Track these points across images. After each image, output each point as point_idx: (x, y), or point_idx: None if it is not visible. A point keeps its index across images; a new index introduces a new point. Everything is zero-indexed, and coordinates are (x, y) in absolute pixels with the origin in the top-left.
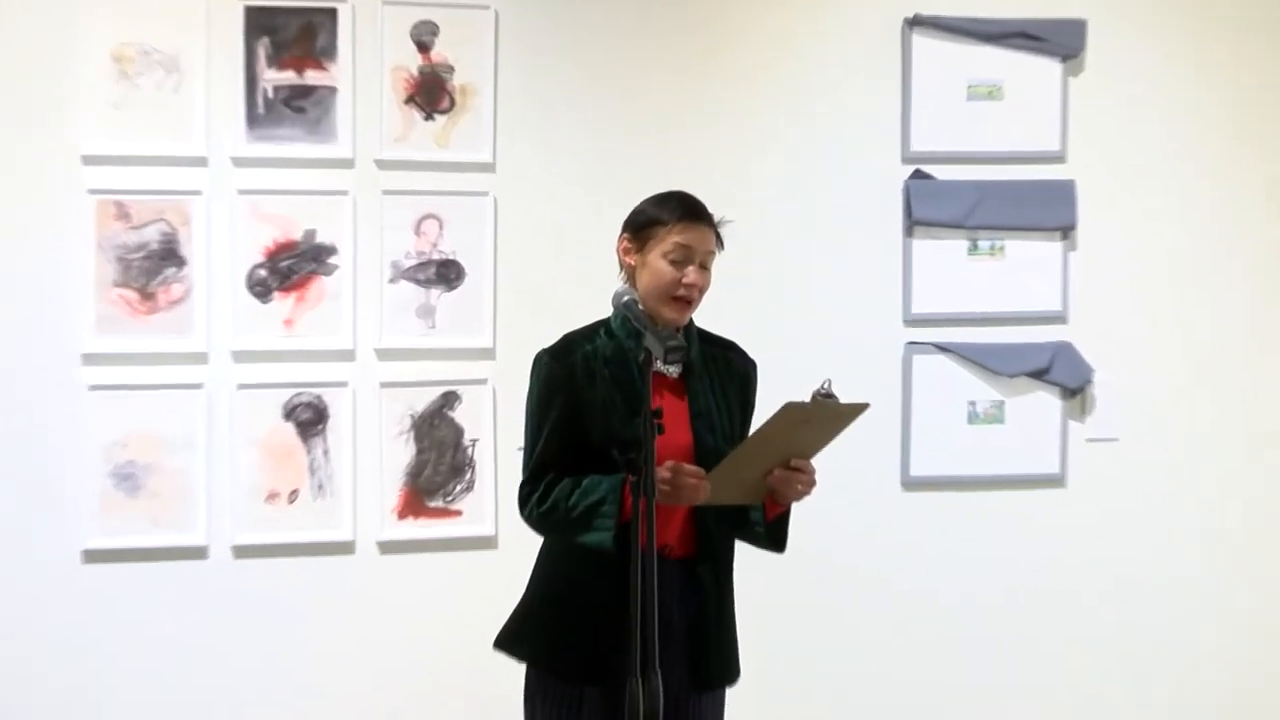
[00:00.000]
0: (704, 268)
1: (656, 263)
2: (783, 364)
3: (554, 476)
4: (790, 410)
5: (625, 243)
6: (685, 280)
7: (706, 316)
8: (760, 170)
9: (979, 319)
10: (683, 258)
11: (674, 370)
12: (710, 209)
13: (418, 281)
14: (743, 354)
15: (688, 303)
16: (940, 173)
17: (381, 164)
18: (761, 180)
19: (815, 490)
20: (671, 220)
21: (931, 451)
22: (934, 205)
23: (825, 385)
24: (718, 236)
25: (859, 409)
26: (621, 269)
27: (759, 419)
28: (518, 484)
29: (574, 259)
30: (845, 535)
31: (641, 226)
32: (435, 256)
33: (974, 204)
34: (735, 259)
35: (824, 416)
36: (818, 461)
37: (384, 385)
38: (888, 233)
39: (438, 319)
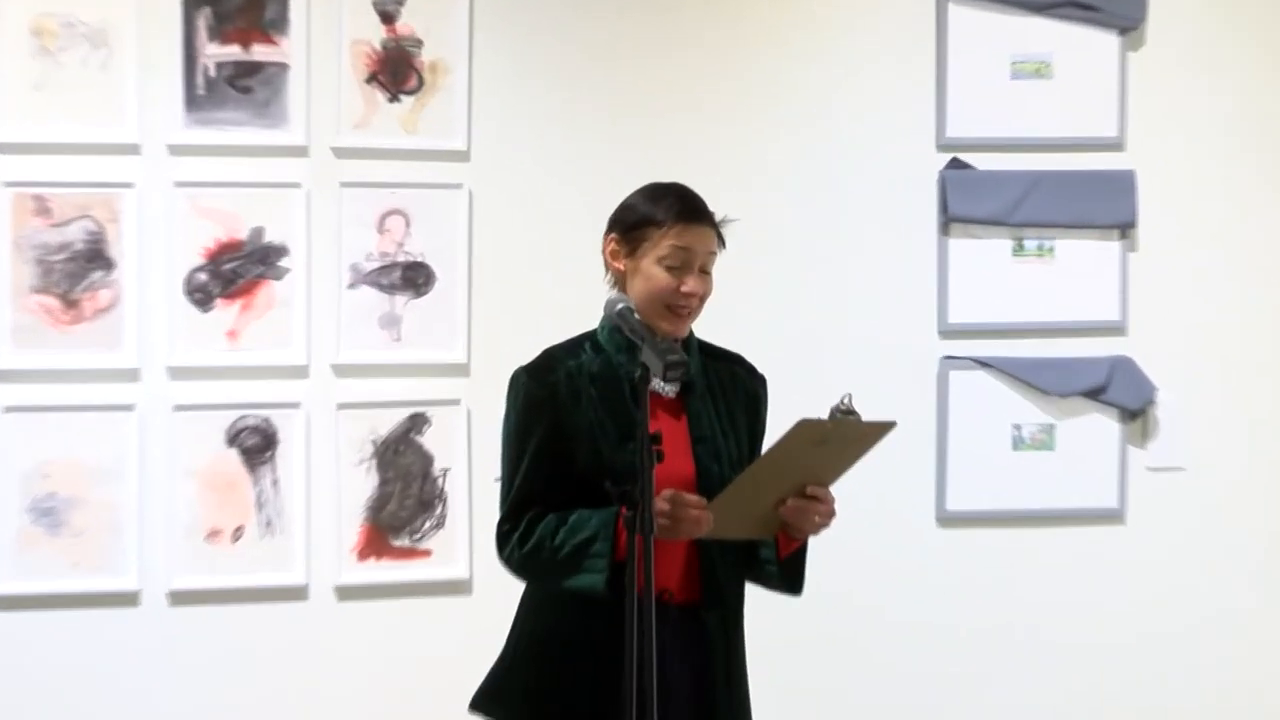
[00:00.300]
0: (705, 273)
1: (650, 269)
2: (798, 381)
3: (537, 512)
4: (805, 428)
5: (613, 244)
6: (684, 288)
7: (708, 327)
8: (773, 160)
9: (1025, 329)
10: (681, 263)
11: (671, 389)
12: (711, 205)
13: (381, 287)
14: (750, 368)
15: (687, 313)
16: (981, 162)
17: (340, 152)
18: (775, 171)
19: (836, 523)
20: (667, 220)
21: (970, 482)
22: (973, 199)
23: (845, 400)
24: (719, 236)
25: (885, 428)
26: (609, 273)
27: (770, 442)
28: (495, 521)
29: (562, 261)
30: (871, 576)
31: (632, 227)
32: (401, 258)
33: (1020, 197)
34: (742, 261)
35: (844, 436)
36: (838, 490)
37: (342, 406)
38: (920, 231)
39: (404, 330)
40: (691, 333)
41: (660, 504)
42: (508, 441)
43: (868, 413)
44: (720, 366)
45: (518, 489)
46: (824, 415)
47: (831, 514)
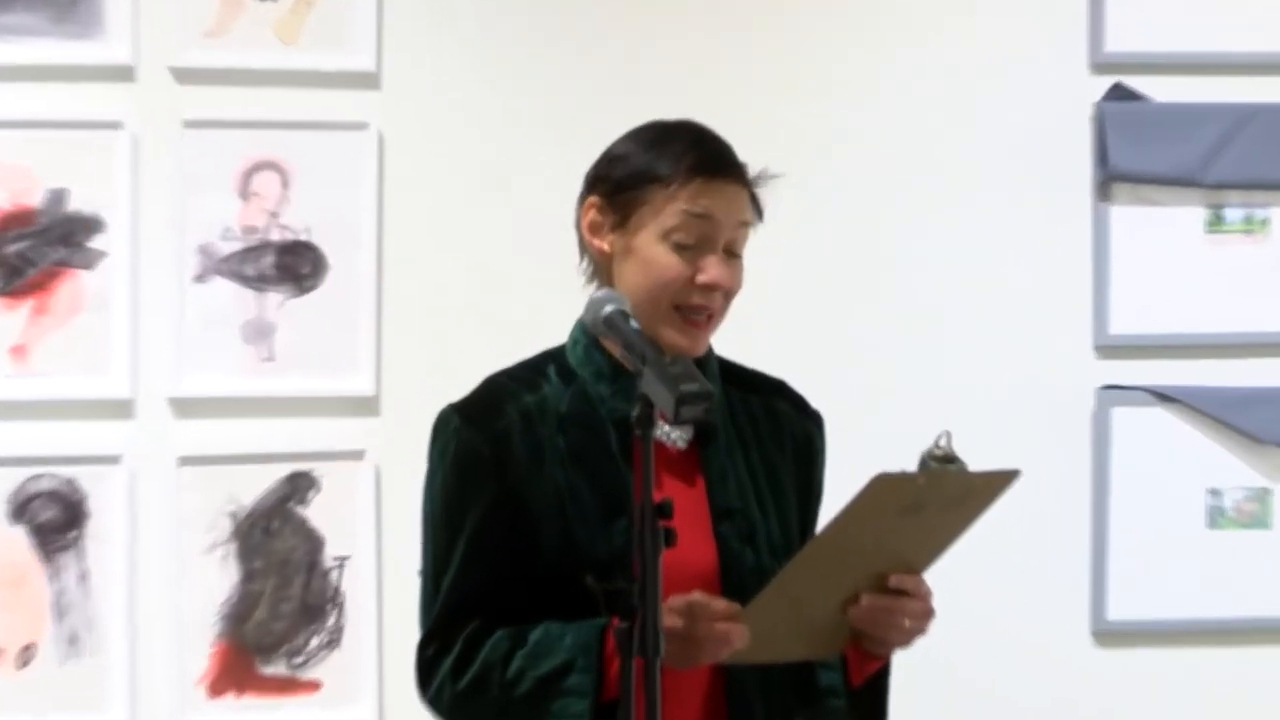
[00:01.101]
0: (733, 255)
1: (651, 248)
2: (870, 421)
3: (478, 626)
4: (884, 488)
5: (594, 212)
6: (702, 277)
7: (732, 341)
8: (836, 96)
9: (1226, 345)
10: (698, 238)
11: (681, 437)
12: (742, 155)
13: (245, 280)
14: (799, 402)
15: (706, 318)
16: (1156, 89)
17: (182, 75)
18: (838, 111)
19: (940, 637)
20: (677, 174)
21: (1144, 579)
22: (1147, 147)
23: (941, 443)
24: (755, 201)
25: (1004, 480)
26: (586, 258)
27: (831, 508)
28: (416, 640)
29: (519, 241)
30: (995, 717)
31: (623, 185)
32: (276, 236)
33: (1218, 144)
34: (789, 243)
35: (942, 496)
36: (940, 576)
37: (185, 461)
38: (1065, 197)
39: (280, 345)
40: (711, 350)
41: (672, 617)
42: (432, 519)
43: (976, 461)
44: (753, 401)
45: (449, 591)
46: (910, 467)
47: (928, 614)
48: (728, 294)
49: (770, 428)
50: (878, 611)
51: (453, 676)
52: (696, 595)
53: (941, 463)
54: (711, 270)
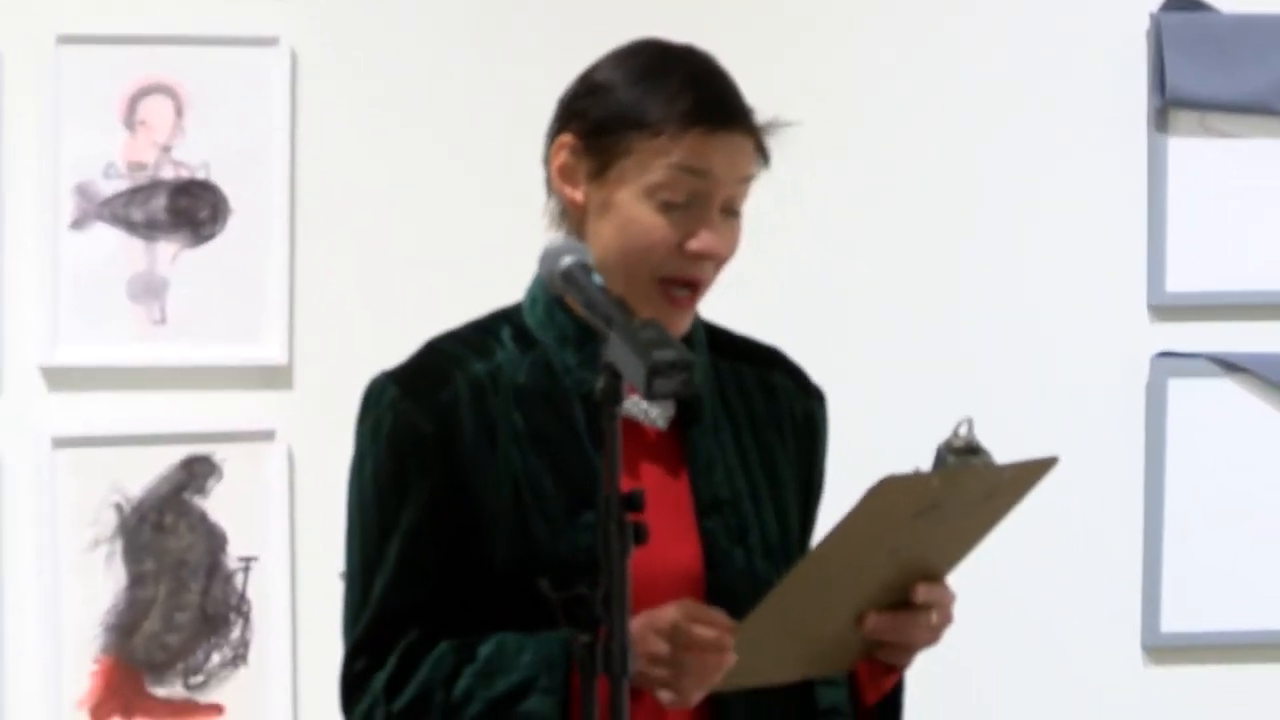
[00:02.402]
0: (730, 214)
1: (632, 206)
2: (895, 398)
3: (417, 638)
4: (892, 491)
5: (566, 154)
6: (693, 245)
7: (721, 306)
8: (849, 15)
9: None
10: (688, 196)
11: (660, 414)
12: (747, 95)
13: (132, 226)
14: (798, 375)
15: (690, 295)
16: None
17: None
18: (856, 36)
19: (971, 650)
20: (670, 122)
21: (1204, 584)
22: (1213, 67)
23: (962, 431)
24: (763, 150)
25: (1038, 469)
26: (553, 199)
27: (839, 503)
28: (341, 654)
29: (462, 179)
30: None
31: (605, 128)
32: (169, 174)
33: None
34: (799, 195)
35: (964, 494)
36: (965, 579)
37: (60, 443)
38: (1114, 126)
39: (172, 304)
40: (696, 316)
41: (653, 639)
42: (361, 510)
43: (1007, 447)
44: (746, 374)
45: (382, 596)
46: (930, 453)
47: (945, 623)
48: (720, 263)
49: (766, 405)
50: (899, 625)
51: (386, 696)
52: (679, 612)
53: (962, 456)
54: (705, 237)
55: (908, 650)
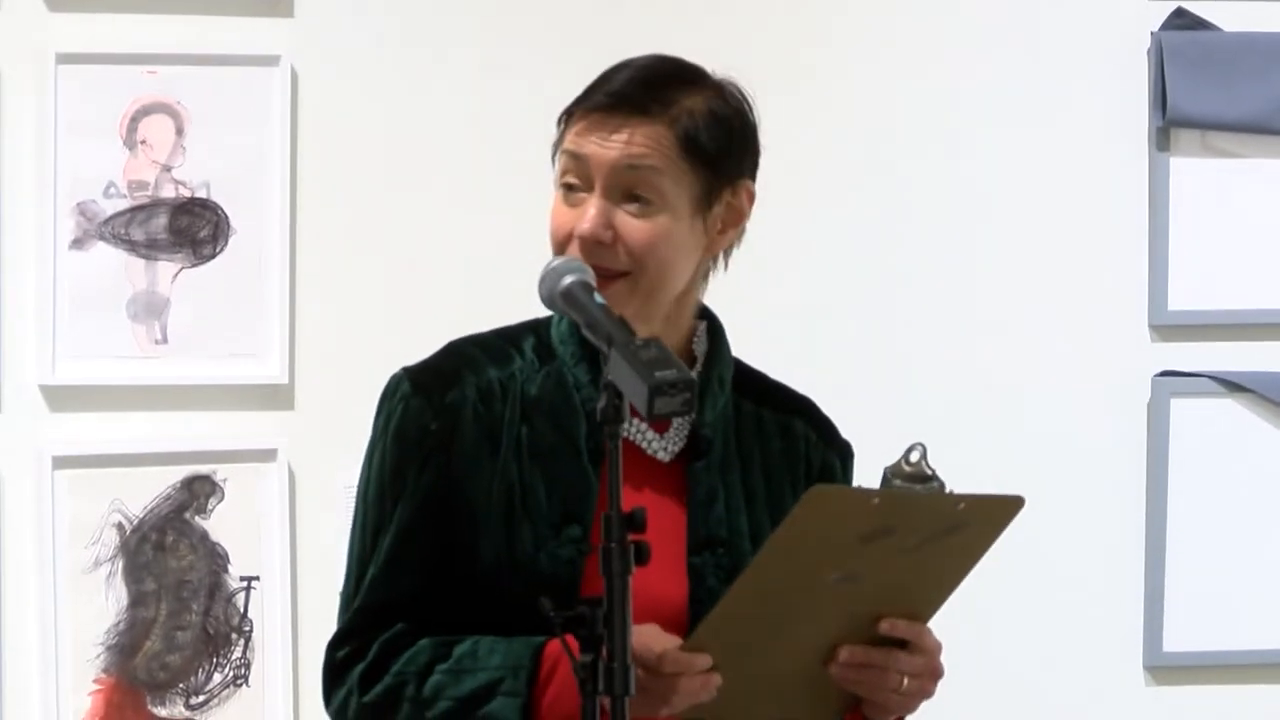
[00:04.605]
0: (635, 200)
1: (555, 199)
2: (889, 416)
3: (400, 632)
4: (821, 502)
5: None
6: (577, 229)
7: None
8: (850, 33)
9: None
10: (580, 182)
11: (664, 447)
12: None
13: (132, 246)
14: (822, 425)
15: (610, 279)
16: (1226, 16)
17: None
18: (857, 55)
19: (965, 682)
20: (570, 110)
21: (1208, 603)
22: (1214, 86)
23: (912, 457)
24: (681, 135)
25: (1004, 508)
26: None
27: None
28: (328, 640)
29: (461, 195)
30: None
31: (560, 124)
32: (169, 193)
33: None
34: (792, 206)
35: (920, 522)
36: (951, 616)
37: (60, 463)
38: (1116, 145)
39: (174, 324)
40: (726, 346)
41: (649, 641)
42: (364, 499)
43: (1007, 468)
44: (767, 416)
45: (371, 587)
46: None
47: (933, 672)
48: (630, 250)
49: (782, 448)
50: (862, 669)
51: (361, 686)
52: (640, 642)
53: (910, 482)
54: (580, 221)
55: (880, 710)
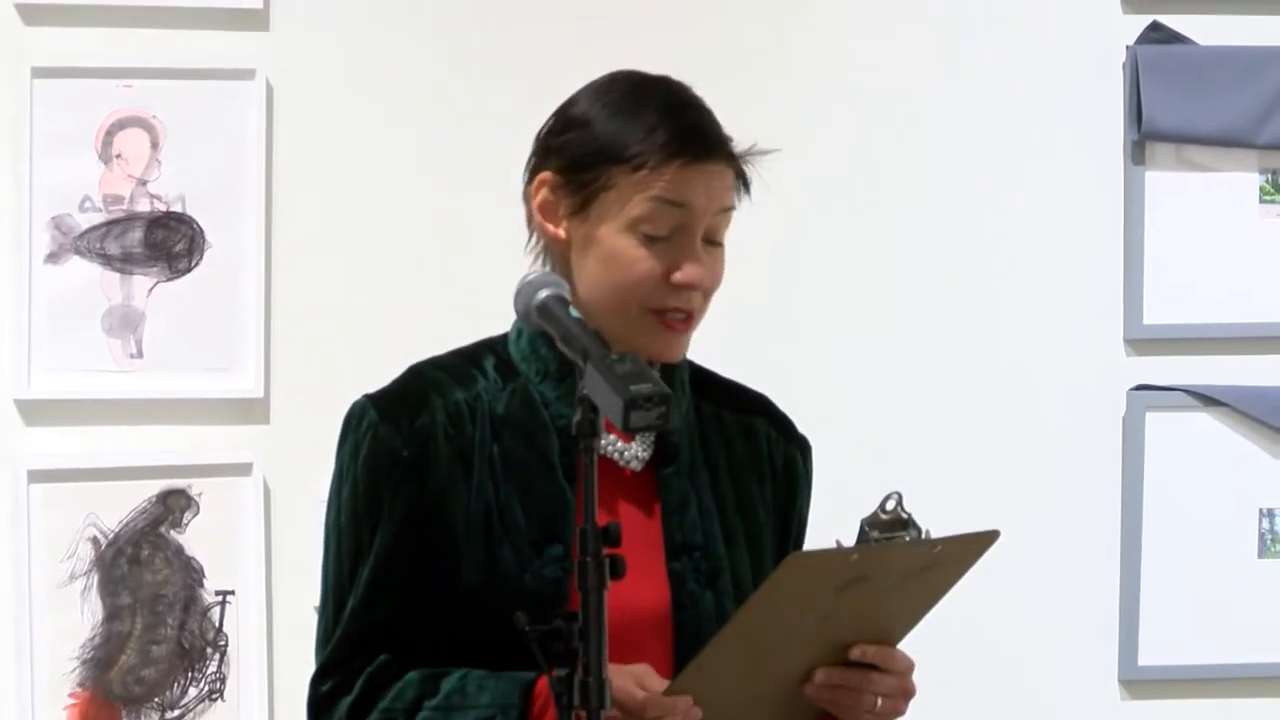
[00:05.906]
0: (713, 244)
1: (616, 240)
2: (865, 433)
3: (385, 663)
4: (800, 567)
5: (546, 191)
6: (679, 276)
7: (703, 347)
8: (823, 46)
9: None
10: (672, 229)
11: (635, 456)
12: (726, 124)
13: (108, 260)
14: (782, 423)
15: (685, 321)
16: (1201, 29)
17: (29, 14)
18: (828, 68)
19: (934, 675)
20: (649, 156)
21: (1183, 617)
22: (1189, 100)
23: (888, 506)
24: (743, 179)
25: (978, 543)
26: (534, 237)
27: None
28: (310, 675)
29: (441, 215)
30: None
31: (584, 164)
32: (144, 207)
33: (1274, 97)
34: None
35: (895, 567)
36: (929, 631)
37: (35, 476)
38: (1091, 158)
39: (149, 338)
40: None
41: (631, 688)
42: (336, 531)
43: (980, 488)
44: (728, 418)
45: (351, 618)
46: (894, 486)
47: (904, 692)
48: (708, 294)
49: (746, 450)
50: (837, 690)
51: (352, 717)
52: (623, 685)
53: (888, 531)
54: (689, 270)
55: None
